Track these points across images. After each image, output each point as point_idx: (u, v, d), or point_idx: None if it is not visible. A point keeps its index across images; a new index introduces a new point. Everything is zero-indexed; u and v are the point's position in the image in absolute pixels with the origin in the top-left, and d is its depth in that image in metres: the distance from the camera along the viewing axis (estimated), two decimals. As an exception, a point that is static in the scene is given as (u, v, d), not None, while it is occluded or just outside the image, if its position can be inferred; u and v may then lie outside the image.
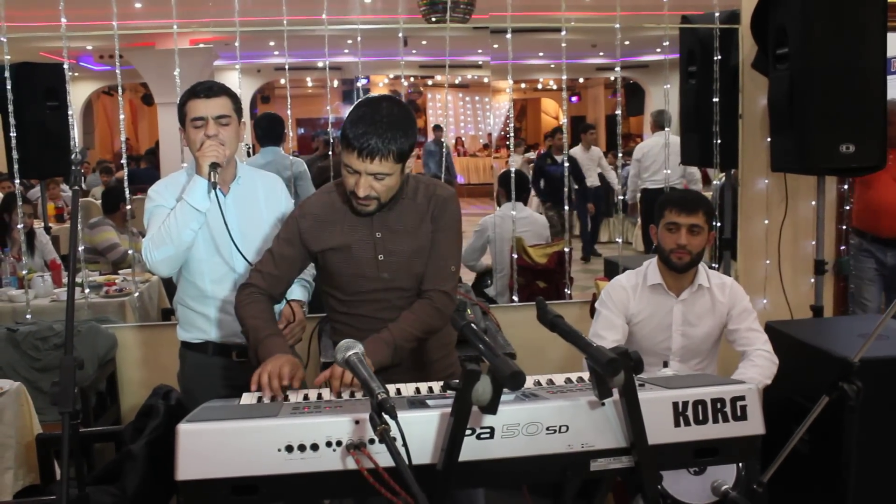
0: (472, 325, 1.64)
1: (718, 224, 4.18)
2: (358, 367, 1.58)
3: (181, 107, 2.51)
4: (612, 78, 4.33)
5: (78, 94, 7.54)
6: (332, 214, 2.26)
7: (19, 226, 4.26)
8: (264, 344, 2.12)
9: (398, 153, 2.08)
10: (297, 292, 2.64)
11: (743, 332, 2.85)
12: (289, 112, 4.31)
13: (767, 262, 4.30)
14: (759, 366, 2.76)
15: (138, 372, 3.94)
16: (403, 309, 2.22)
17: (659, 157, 6.14)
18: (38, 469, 3.05)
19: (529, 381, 1.84)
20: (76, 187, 1.92)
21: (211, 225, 2.51)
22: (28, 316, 3.93)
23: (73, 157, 2.11)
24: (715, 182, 4.49)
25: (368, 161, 2.06)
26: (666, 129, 5.19)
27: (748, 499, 2.19)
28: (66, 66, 3.86)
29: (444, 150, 7.24)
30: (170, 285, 2.93)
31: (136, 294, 4.28)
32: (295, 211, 2.32)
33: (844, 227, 4.55)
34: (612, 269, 3.93)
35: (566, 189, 4.31)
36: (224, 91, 2.51)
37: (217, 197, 2.43)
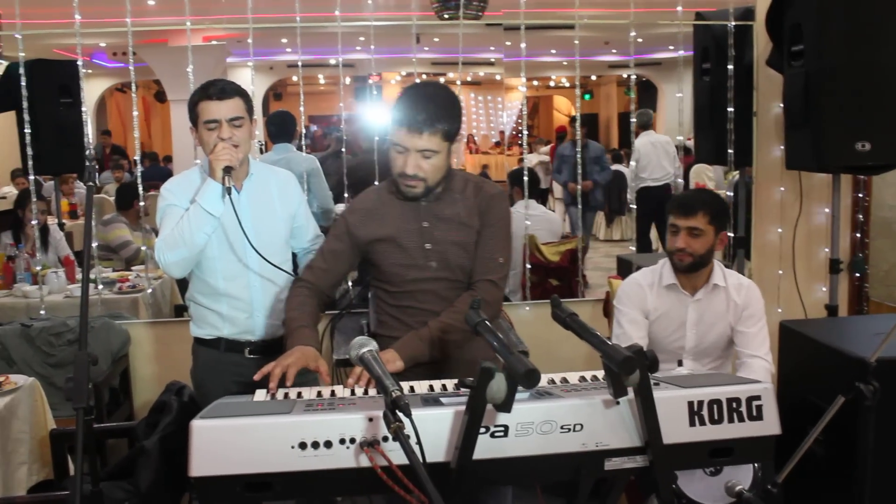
0: (487, 322, 1.64)
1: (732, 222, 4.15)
2: (372, 364, 1.57)
3: (192, 107, 2.48)
4: (625, 75, 4.30)
5: (91, 91, 7.57)
6: (380, 207, 2.35)
7: (33, 222, 4.28)
8: (292, 336, 2.20)
9: (445, 131, 2.18)
10: None
11: (749, 336, 2.81)
12: (301, 109, 4.31)
13: (781, 260, 4.27)
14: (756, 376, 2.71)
15: (151, 368, 3.96)
16: (451, 301, 2.28)
17: (652, 156, 6.25)
18: (52, 464, 3.07)
19: (543, 380, 1.83)
20: (90, 183, 1.93)
21: (224, 223, 2.49)
22: (42, 312, 3.95)
23: (87, 153, 2.11)
24: (731, 178, 4.46)
25: (417, 136, 2.16)
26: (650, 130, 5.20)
27: (763, 499, 2.17)
28: (80, 63, 3.88)
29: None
30: (182, 282, 2.94)
31: (150, 290, 4.30)
32: (345, 208, 2.42)
33: (859, 234, 4.48)
34: (625, 268, 3.91)
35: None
36: (236, 91, 2.48)
37: (231, 200, 2.40)
